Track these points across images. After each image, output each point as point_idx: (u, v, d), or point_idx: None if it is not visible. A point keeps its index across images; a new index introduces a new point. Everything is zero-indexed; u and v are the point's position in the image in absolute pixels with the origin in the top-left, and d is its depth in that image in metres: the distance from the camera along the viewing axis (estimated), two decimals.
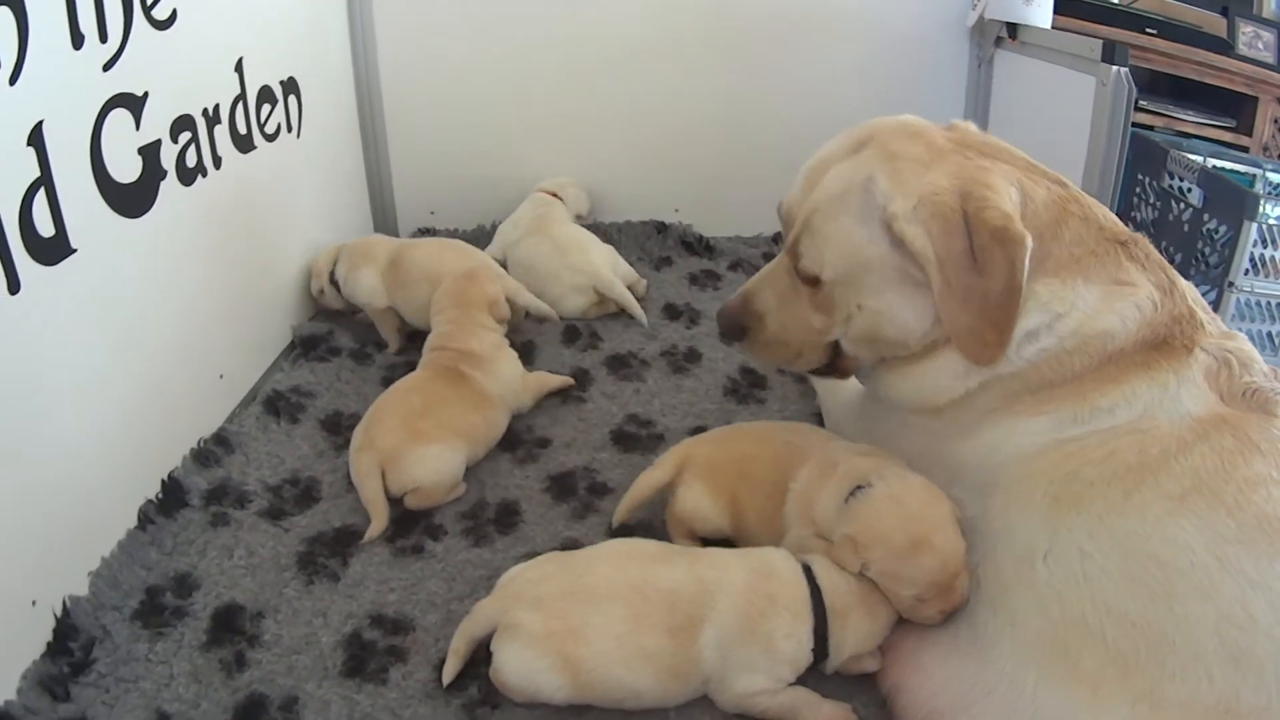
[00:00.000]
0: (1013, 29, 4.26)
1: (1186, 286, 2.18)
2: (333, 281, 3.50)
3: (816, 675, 2.09)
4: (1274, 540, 1.73)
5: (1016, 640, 1.91)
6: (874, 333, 2.27)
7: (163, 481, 2.59)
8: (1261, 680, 1.64)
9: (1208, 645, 1.69)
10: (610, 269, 3.79)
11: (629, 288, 3.83)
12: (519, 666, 1.96)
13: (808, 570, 2.10)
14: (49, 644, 2.09)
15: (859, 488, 2.15)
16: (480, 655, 2.06)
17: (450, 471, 2.63)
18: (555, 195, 4.21)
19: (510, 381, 2.99)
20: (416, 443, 2.59)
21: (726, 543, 2.40)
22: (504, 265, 3.75)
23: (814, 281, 2.29)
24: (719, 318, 2.54)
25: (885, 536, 2.06)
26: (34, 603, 2.08)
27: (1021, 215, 2.11)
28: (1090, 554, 1.86)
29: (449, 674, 2.05)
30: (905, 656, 2.09)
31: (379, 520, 2.51)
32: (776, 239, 4.55)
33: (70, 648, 2.09)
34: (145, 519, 2.48)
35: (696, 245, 4.47)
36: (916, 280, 2.15)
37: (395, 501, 2.57)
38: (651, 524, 2.56)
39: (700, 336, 3.65)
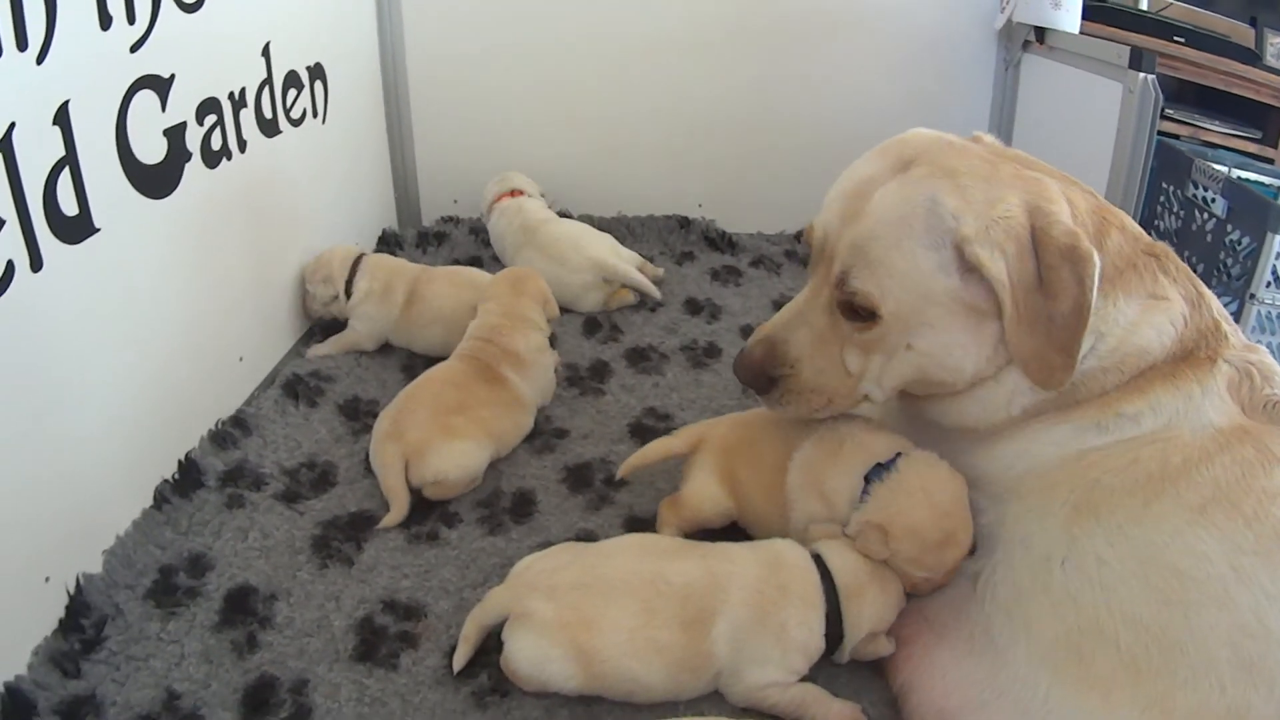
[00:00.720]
0: (1040, 33, 4.25)
1: (1212, 297, 2.17)
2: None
3: (827, 674, 2.09)
4: None
5: (1031, 644, 1.91)
6: (921, 374, 2.14)
7: (179, 462, 2.60)
8: (1273, 690, 1.64)
9: (1220, 654, 1.69)
10: (612, 254, 3.80)
11: (642, 268, 3.87)
12: (530, 655, 1.96)
13: (817, 558, 2.11)
14: (61, 620, 2.10)
15: (879, 466, 2.17)
16: (491, 644, 2.06)
17: (475, 468, 2.63)
18: (515, 193, 4.15)
19: (545, 387, 3.01)
20: (446, 438, 2.59)
21: (731, 535, 2.39)
22: None
23: (866, 317, 2.10)
24: (738, 370, 2.33)
25: (919, 532, 2.07)
26: (47, 579, 2.09)
27: None
28: (1108, 561, 1.86)
29: (459, 661, 2.05)
30: (918, 656, 2.09)
31: (399, 510, 2.51)
32: (799, 236, 4.56)
33: (82, 625, 2.10)
34: (161, 499, 2.48)
35: (719, 241, 4.46)
36: (980, 311, 2.03)
37: (412, 489, 2.57)
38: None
39: (720, 332, 3.65)
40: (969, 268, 1.98)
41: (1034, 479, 2.08)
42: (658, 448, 2.58)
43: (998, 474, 2.15)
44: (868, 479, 2.16)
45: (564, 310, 3.46)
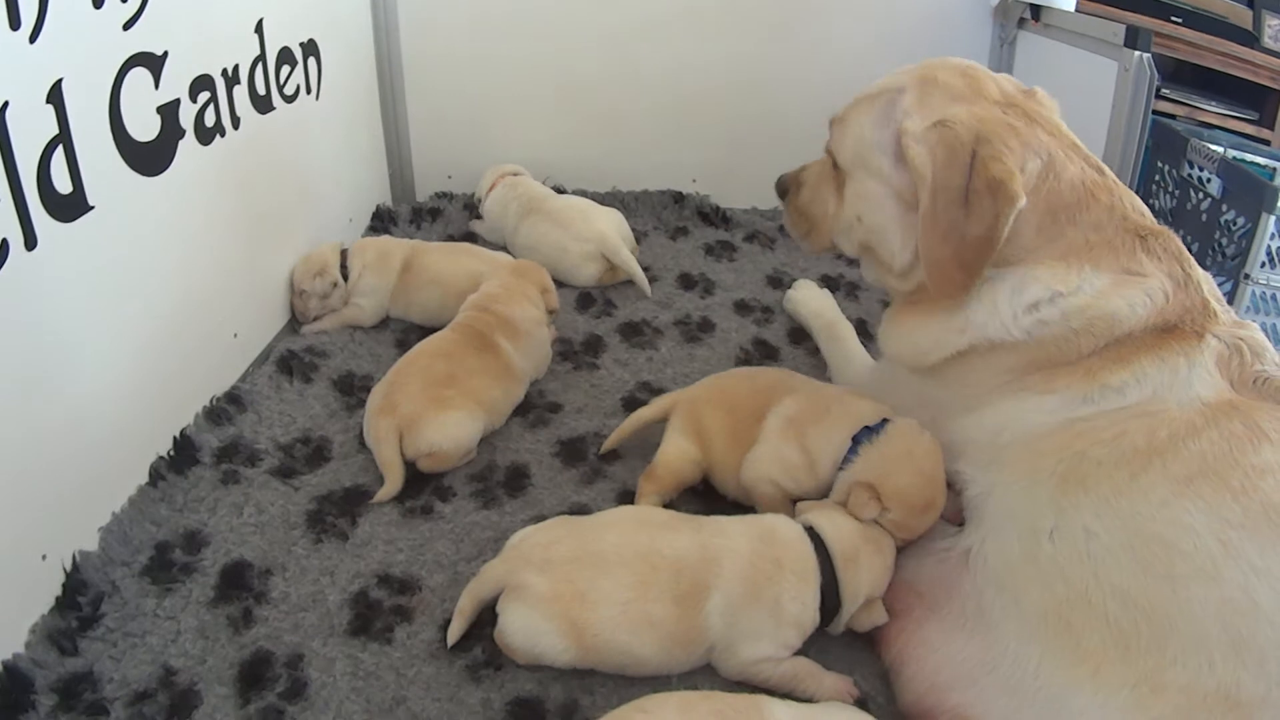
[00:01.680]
0: (1036, 10, 4.25)
1: (1204, 278, 2.19)
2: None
3: (819, 648, 2.11)
4: (1278, 528, 1.73)
5: (1021, 617, 1.93)
6: (866, 244, 2.48)
7: (175, 438, 2.60)
8: (1263, 668, 1.65)
9: (1210, 630, 1.70)
10: (617, 234, 3.80)
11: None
12: (524, 628, 1.97)
13: (810, 531, 2.13)
14: (58, 598, 2.11)
15: (867, 429, 2.26)
16: (485, 617, 2.08)
17: (468, 439, 2.64)
18: (516, 174, 4.19)
19: (539, 360, 3.03)
20: (438, 410, 2.60)
21: (727, 510, 2.40)
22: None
23: (836, 167, 2.51)
24: (778, 180, 2.80)
25: (905, 495, 2.16)
26: (44, 556, 2.09)
27: (1039, 188, 2.16)
28: (1096, 533, 1.87)
29: (454, 634, 2.06)
30: (910, 630, 2.10)
31: (393, 483, 2.52)
32: None
33: (79, 602, 2.11)
34: (157, 475, 2.49)
35: (713, 216, 4.47)
36: (907, 202, 2.28)
37: (407, 463, 2.58)
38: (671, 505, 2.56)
39: (714, 306, 3.66)
40: (901, 158, 2.26)
41: (1021, 448, 2.10)
42: (634, 419, 2.68)
43: (986, 441, 2.19)
44: (855, 440, 2.25)
45: (559, 284, 3.46)
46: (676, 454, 2.53)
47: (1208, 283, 2.19)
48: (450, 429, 2.59)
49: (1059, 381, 2.11)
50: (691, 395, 2.64)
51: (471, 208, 4.28)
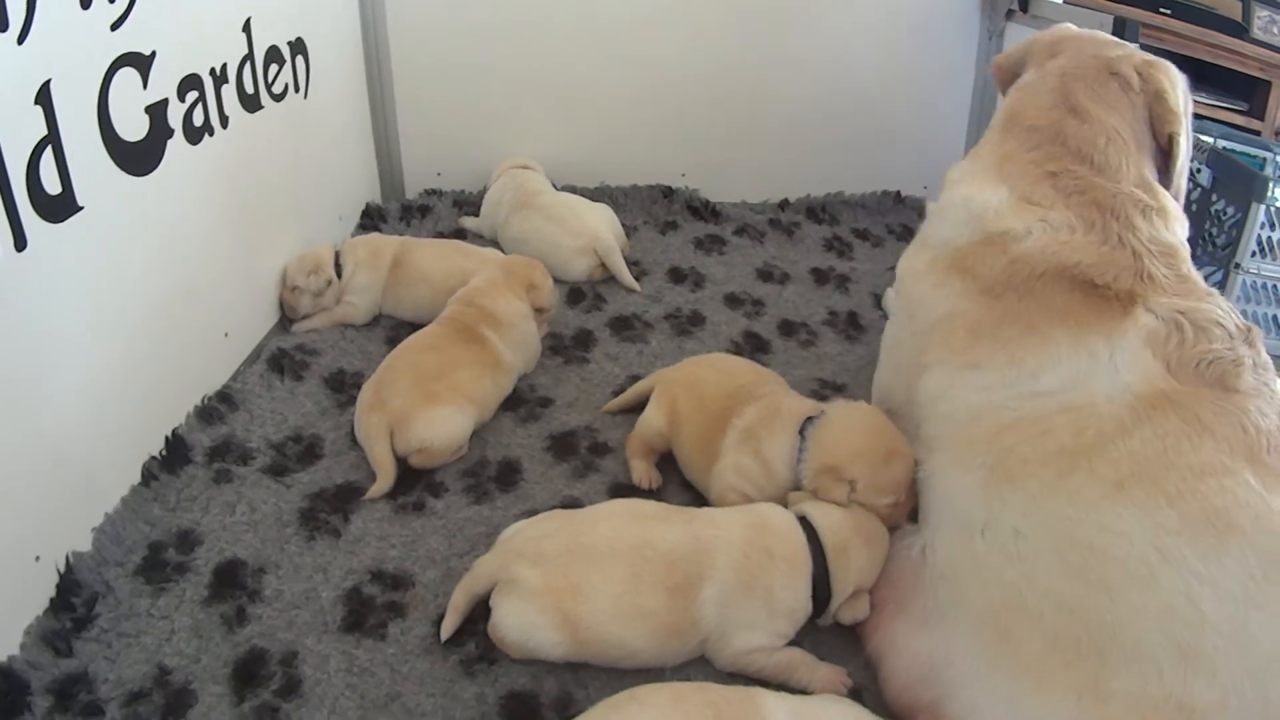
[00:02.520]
0: (1024, 2, 4.27)
1: (1145, 239, 2.18)
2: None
3: (813, 640, 2.12)
4: (1222, 535, 1.70)
5: (967, 617, 1.94)
6: None
7: (167, 438, 2.60)
8: (1215, 677, 1.63)
9: (1152, 639, 1.68)
10: (609, 231, 3.82)
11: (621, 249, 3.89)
12: (517, 622, 1.98)
13: (803, 521, 2.14)
14: (52, 599, 2.11)
15: (809, 420, 2.32)
16: (479, 612, 2.08)
17: (459, 434, 2.65)
18: (526, 167, 4.21)
19: (528, 354, 3.05)
20: (428, 405, 2.60)
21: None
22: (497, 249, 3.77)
23: None
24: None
25: (862, 452, 2.22)
26: (38, 558, 2.09)
27: (1018, 89, 2.60)
28: (1024, 534, 1.87)
29: (447, 629, 2.07)
30: (883, 625, 2.12)
31: (385, 479, 2.52)
32: (783, 205, 4.61)
33: (73, 603, 2.11)
34: (149, 475, 2.49)
35: (703, 210, 4.47)
36: None
37: (399, 459, 2.58)
38: (660, 489, 2.59)
39: (704, 300, 3.67)
40: None
41: (953, 431, 2.15)
42: (633, 390, 2.86)
43: (927, 406, 2.28)
44: (802, 434, 2.31)
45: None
46: (646, 425, 2.65)
47: (1155, 245, 2.18)
48: (440, 425, 2.60)
49: (982, 354, 2.15)
50: (671, 376, 2.74)
51: (461, 204, 4.28)
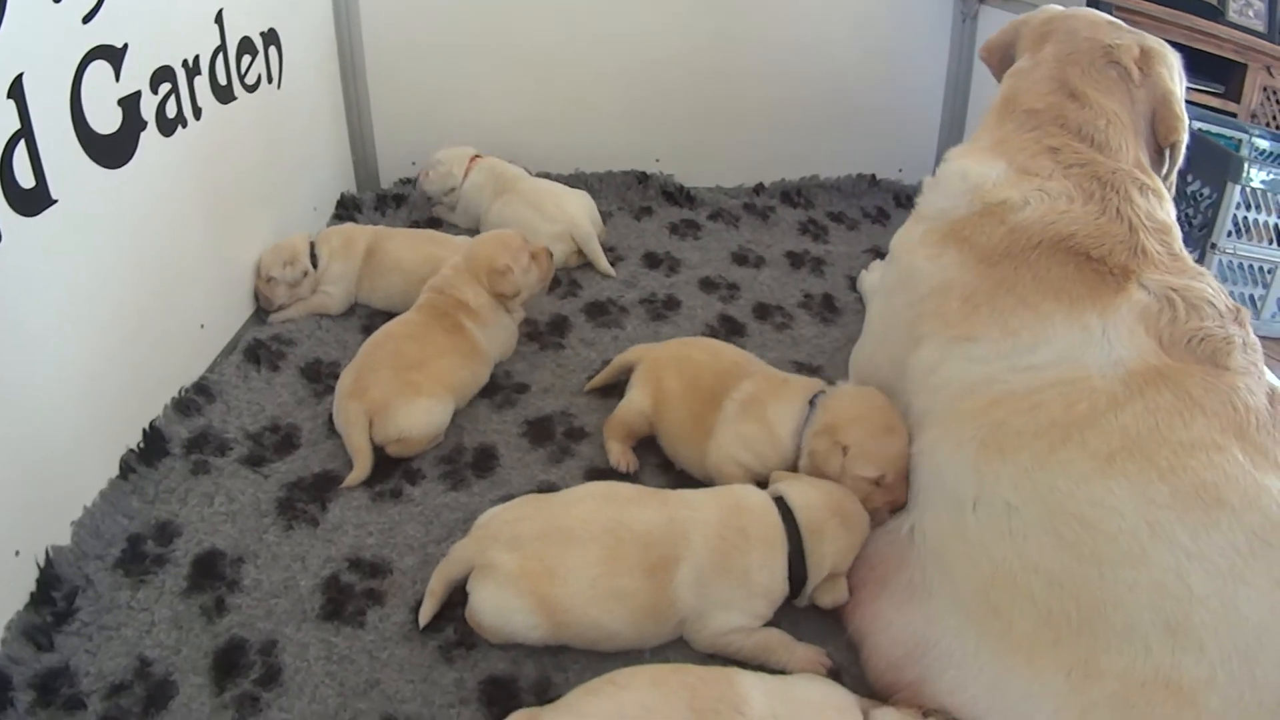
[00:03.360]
0: None
1: (1143, 215, 2.19)
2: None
3: (792, 620, 2.13)
4: (1210, 509, 1.71)
5: (956, 595, 1.94)
6: None
7: (144, 430, 2.60)
8: (1202, 653, 1.64)
9: (1142, 615, 1.69)
10: (587, 218, 3.83)
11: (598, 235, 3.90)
12: (494, 606, 1.99)
13: (779, 501, 2.15)
14: (32, 594, 2.11)
15: (819, 392, 2.38)
16: (457, 598, 2.09)
17: (438, 425, 2.66)
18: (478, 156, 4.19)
19: (504, 343, 3.05)
20: (408, 395, 2.61)
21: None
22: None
23: None
24: None
25: (863, 418, 2.27)
26: (17, 553, 2.10)
27: (1015, 74, 2.58)
28: (1016, 508, 1.88)
29: (425, 616, 2.08)
30: (865, 604, 2.13)
31: (362, 468, 2.53)
32: (758, 189, 4.61)
33: (53, 597, 2.11)
34: (127, 468, 2.49)
35: (677, 195, 4.47)
36: None
37: (376, 448, 2.59)
38: (636, 472, 2.60)
39: (679, 284, 3.67)
40: None
41: (946, 405, 2.14)
42: (613, 365, 2.87)
43: (919, 379, 2.28)
44: (812, 403, 2.36)
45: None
46: (629, 407, 2.66)
47: (1151, 222, 2.19)
48: (419, 415, 2.61)
49: (976, 326, 2.16)
50: (656, 355, 2.75)
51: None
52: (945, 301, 2.25)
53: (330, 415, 2.74)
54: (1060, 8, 2.65)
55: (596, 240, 3.78)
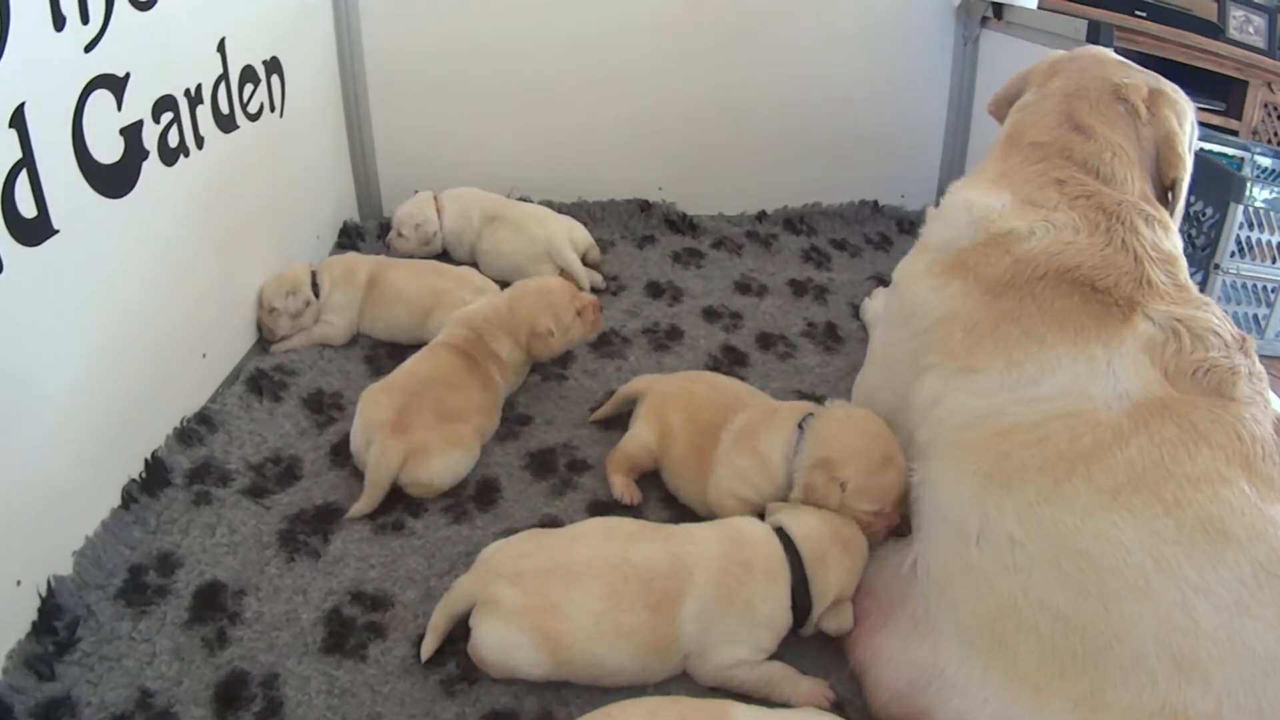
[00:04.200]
0: (998, 8, 4.27)
1: (1148, 245, 2.19)
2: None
3: (794, 653, 2.12)
4: (1217, 543, 1.71)
5: (961, 627, 1.94)
6: None
7: (146, 460, 2.60)
8: (1209, 686, 1.64)
9: (1148, 649, 1.68)
10: (565, 236, 3.83)
11: (587, 254, 3.94)
12: (497, 641, 1.99)
13: (780, 531, 2.15)
14: (34, 624, 2.11)
15: (808, 415, 2.36)
16: (459, 632, 2.09)
17: (463, 475, 2.66)
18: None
19: (515, 385, 3.05)
20: (446, 445, 2.62)
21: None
22: (474, 265, 3.80)
23: None
24: None
25: (859, 452, 2.23)
26: (19, 583, 2.09)
27: (1020, 109, 2.63)
28: (1020, 542, 1.87)
29: (427, 650, 2.07)
30: (868, 636, 2.12)
31: (371, 502, 2.52)
32: (760, 217, 4.60)
33: (55, 627, 2.11)
34: (129, 498, 2.49)
35: (680, 223, 4.46)
36: None
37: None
38: (638, 505, 2.59)
39: (682, 314, 3.67)
40: None
41: (950, 436, 2.13)
42: (617, 397, 2.84)
43: (921, 411, 2.27)
44: (801, 427, 2.33)
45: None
46: (633, 441, 2.66)
47: (1157, 253, 2.19)
48: (454, 466, 2.62)
49: (980, 357, 2.15)
50: (662, 389, 2.74)
51: None
52: (949, 332, 2.25)
53: (332, 446, 2.75)
54: (1063, 51, 2.67)
55: (575, 258, 3.80)
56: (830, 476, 2.22)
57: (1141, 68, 2.56)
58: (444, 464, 2.59)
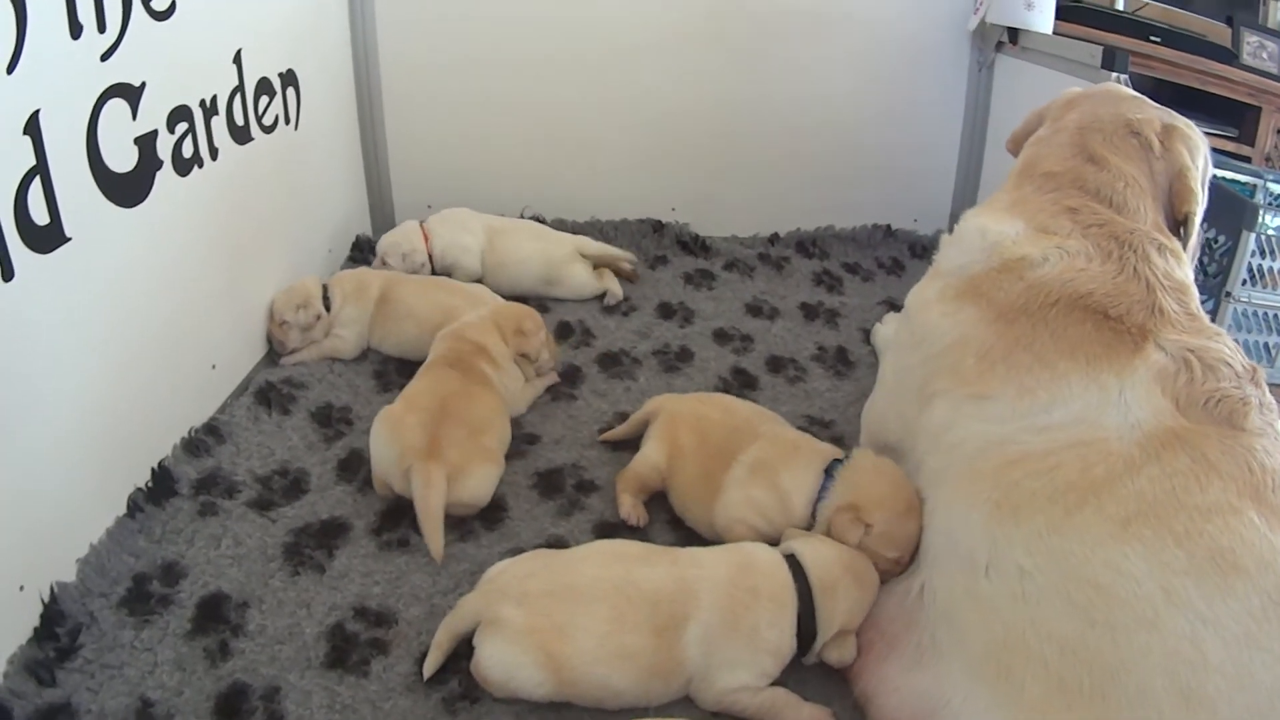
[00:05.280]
0: (1014, 34, 4.27)
1: (1160, 274, 2.18)
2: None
3: (798, 678, 2.12)
4: (1227, 575, 1.70)
5: (967, 657, 1.92)
6: None
7: (153, 470, 2.60)
8: (1215, 718, 1.62)
9: (1155, 680, 1.67)
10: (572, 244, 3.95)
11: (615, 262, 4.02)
12: (501, 661, 1.98)
13: (791, 558, 2.15)
14: (36, 629, 2.10)
15: (835, 461, 2.35)
16: (461, 650, 2.08)
17: (493, 490, 2.65)
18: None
19: (517, 397, 3.04)
20: (482, 460, 2.62)
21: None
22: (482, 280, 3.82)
23: None
24: None
25: (886, 501, 2.23)
26: (22, 588, 2.09)
27: (1034, 142, 2.63)
28: (1029, 572, 1.86)
29: (430, 667, 2.06)
30: (872, 666, 2.11)
31: (437, 537, 2.45)
32: (773, 239, 4.60)
33: (57, 633, 2.10)
34: (135, 507, 2.48)
35: (693, 245, 4.46)
36: None
37: (398, 498, 2.58)
38: (645, 528, 2.59)
39: (693, 336, 3.66)
40: None
41: (961, 464, 2.12)
42: (632, 420, 2.84)
43: (932, 438, 2.27)
44: (828, 474, 2.33)
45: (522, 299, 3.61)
46: (643, 460, 2.65)
47: (1168, 281, 2.18)
48: (490, 482, 2.63)
49: (991, 384, 2.15)
50: (674, 410, 2.73)
51: None
52: (961, 358, 2.25)
53: (339, 460, 2.75)
54: (1080, 88, 2.68)
55: (603, 245, 3.94)
56: (855, 518, 2.22)
57: (1156, 104, 2.55)
58: (482, 482, 2.59)
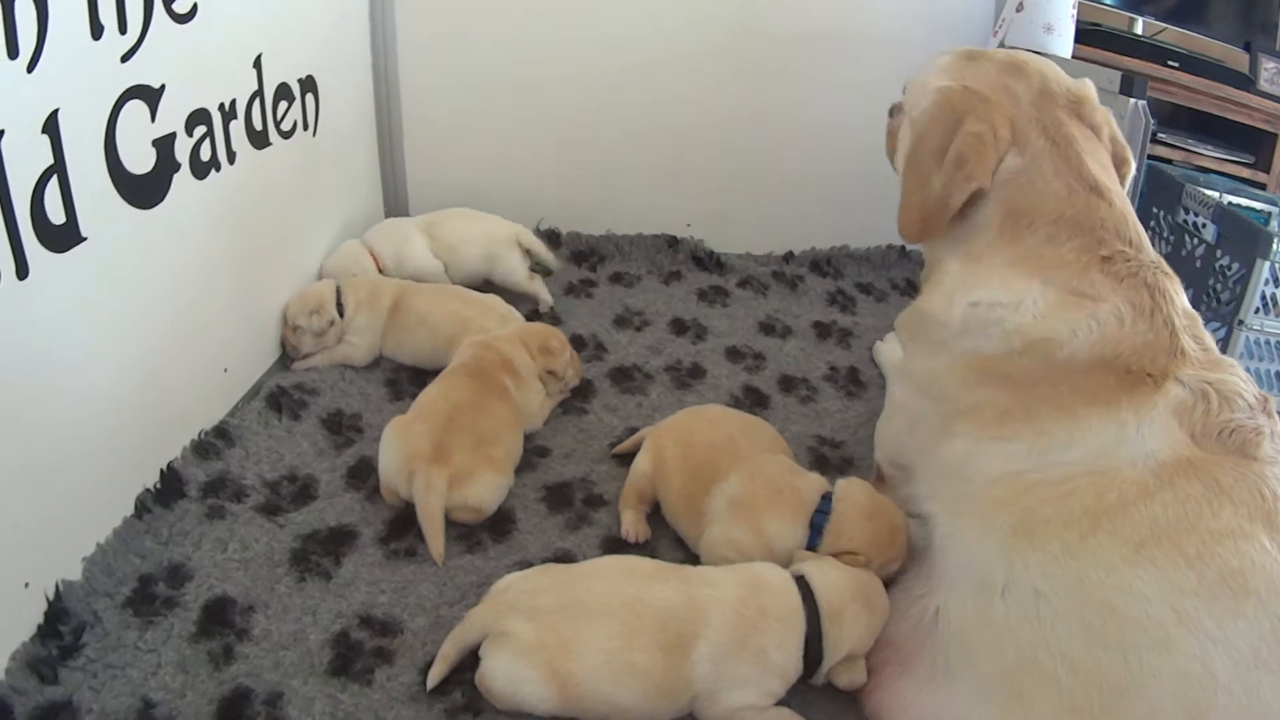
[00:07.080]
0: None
1: (1180, 313, 2.17)
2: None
3: (803, 699, 2.11)
4: (1237, 597, 1.71)
5: (979, 679, 1.92)
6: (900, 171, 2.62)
7: (161, 471, 2.60)
8: None
9: (1165, 701, 1.68)
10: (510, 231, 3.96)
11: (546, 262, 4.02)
12: (507, 675, 1.97)
13: (800, 579, 2.14)
14: (39, 626, 2.10)
15: (818, 512, 2.36)
16: (466, 661, 2.07)
17: (503, 498, 2.65)
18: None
19: (532, 412, 3.03)
20: (487, 468, 2.60)
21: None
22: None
23: None
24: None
25: (874, 540, 2.26)
26: (27, 585, 2.09)
27: (1008, 183, 2.34)
28: (1045, 595, 1.86)
29: (434, 678, 2.05)
30: (884, 685, 2.11)
31: (438, 540, 2.47)
32: (788, 258, 4.59)
33: (60, 631, 2.10)
34: (142, 507, 2.48)
35: (707, 261, 4.45)
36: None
37: (407, 504, 2.57)
38: (651, 543, 2.59)
39: (705, 353, 3.66)
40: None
41: (980, 491, 2.11)
42: (638, 435, 2.84)
43: (949, 472, 2.25)
44: (814, 526, 2.34)
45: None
46: (636, 472, 2.68)
47: (1183, 319, 2.17)
48: (495, 492, 2.61)
49: (1009, 429, 2.14)
50: (661, 427, 2.75)
51: None
52: (979, 412, 2.23)
53: (349, 468, 2.75)
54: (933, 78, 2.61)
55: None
56: (853, 560, 2.25)
57: (1039, 58, 2.56)
58: (486, 486, 2.57)
